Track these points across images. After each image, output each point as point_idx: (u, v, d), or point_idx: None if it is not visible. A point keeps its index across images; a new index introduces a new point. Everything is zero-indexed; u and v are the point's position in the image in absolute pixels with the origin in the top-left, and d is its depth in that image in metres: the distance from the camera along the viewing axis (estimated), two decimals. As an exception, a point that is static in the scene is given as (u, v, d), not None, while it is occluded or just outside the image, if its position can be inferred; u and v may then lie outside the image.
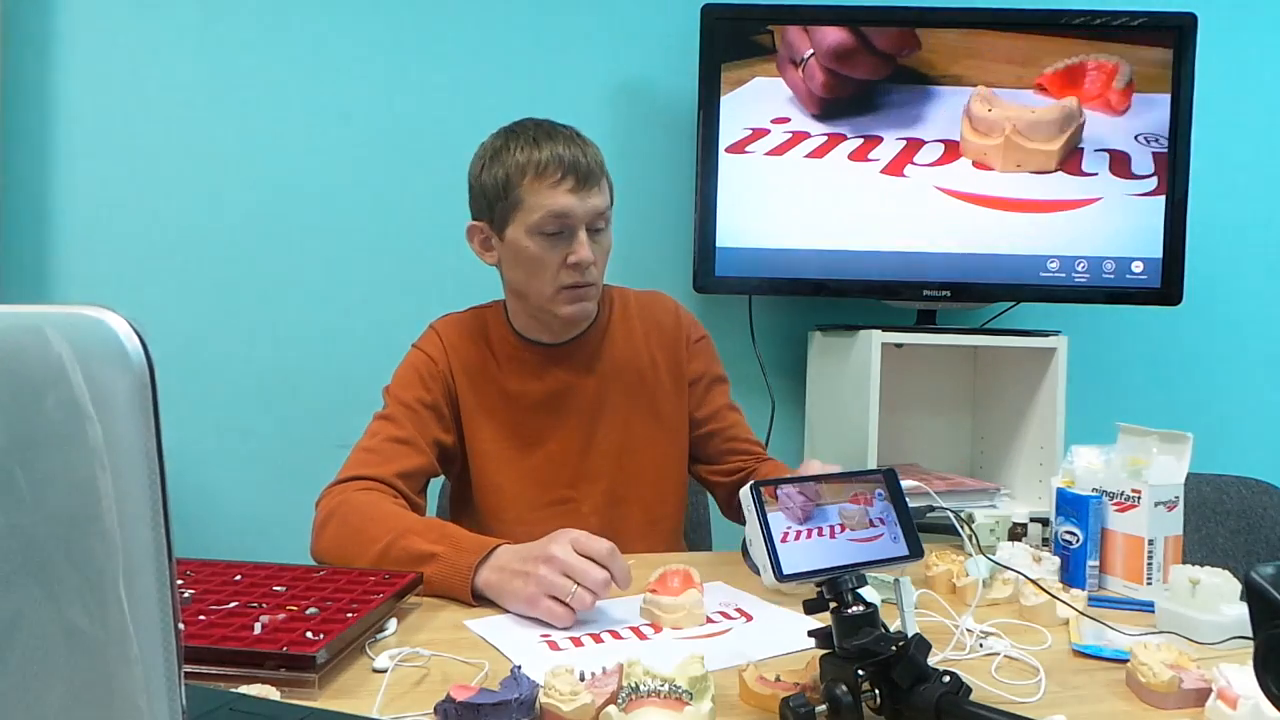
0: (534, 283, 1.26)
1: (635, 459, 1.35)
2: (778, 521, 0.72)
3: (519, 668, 0.72)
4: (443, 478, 1.38)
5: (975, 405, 2.22)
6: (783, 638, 0.91)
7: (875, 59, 1.96)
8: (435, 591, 1.02)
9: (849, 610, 0.70)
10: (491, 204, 1.26)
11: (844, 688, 0.66)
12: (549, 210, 1.21)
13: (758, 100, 1.96)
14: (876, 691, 0.67)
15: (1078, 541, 1.13)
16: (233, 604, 0.86)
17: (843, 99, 1.96)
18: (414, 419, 1.26)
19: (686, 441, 1.41)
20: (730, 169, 1.96)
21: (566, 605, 0.92)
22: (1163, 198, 1.98)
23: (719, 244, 1.96)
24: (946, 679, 0.66)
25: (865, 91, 1.96)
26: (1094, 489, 1.15)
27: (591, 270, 1.25)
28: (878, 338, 1.86)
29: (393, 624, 0.91)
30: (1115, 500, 1.12)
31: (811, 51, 1.94)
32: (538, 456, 1.32)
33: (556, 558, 0.94)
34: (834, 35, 1.94)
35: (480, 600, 1.00)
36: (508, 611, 0.98)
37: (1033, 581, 1.00)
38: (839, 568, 0.72)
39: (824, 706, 0.66)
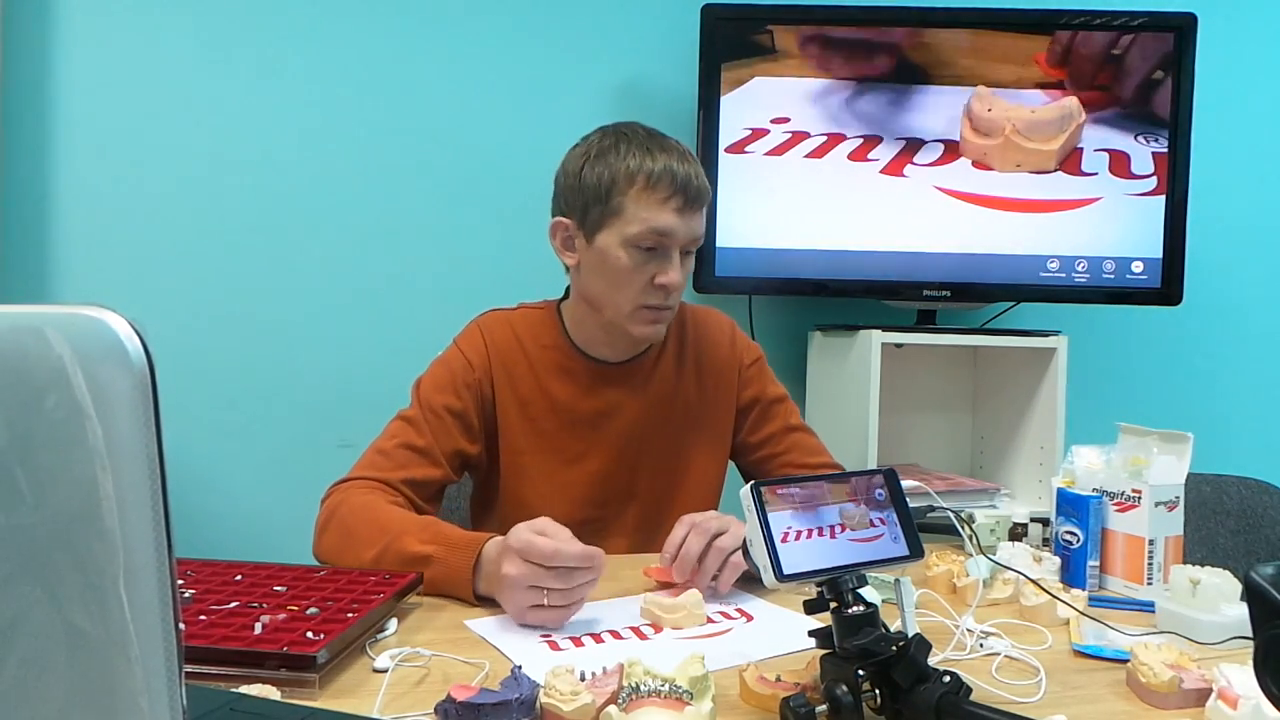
0: (614, 295, 1.21)
1: (674, 484, 1.31)
2: (778, 521, 0.72)
3: (519, 668, 0.72)
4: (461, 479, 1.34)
5: (975, 405, 2.22)
6: (783, 638, 0.90)
7: (875, 58, 1.96)
8: (436, 592, 1.02)
9: (849, 610, 0.70)
10: (587, 204, 1.20)
11: (844, 688, 0.66)
12: (651, 226, 1.16)
13: (758, 100, 1.96)
14: (877, 691, 0.67)
15: (1078, 541, 1.13)
16: (233, 604, 0.86)
17: (842, 99, 1.96)
18: (437, 427, 1.22)
19: (725, 467, 1.37)
20: (730, 169, 1.96)
21: (550, 609, 0.91)
22: (1163, 198, 1.98)
23: (719, 244, 1.96)
24: (947, 679, 0.66)
25: (865, 91, 1.96)
26: (1094, 489, 1.15)
27: (674, 294, 1.21)
28: (878, 338, 1.87)
29: (393, 624, 0.91)
30: (1116, 500, 1.12)
31: (798, 48, 1.94)
32: (575, 473, 1.28)
33: (512, 577, 0.91)
34: (832, 35, 1.95)
35: (481, 600, 1.00)
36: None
37: (1033, 581, 1.00)
38: (839, 568, 0.72)
39: (824, 706, 0.66)
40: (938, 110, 1.97)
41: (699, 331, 1.36)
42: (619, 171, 1.17)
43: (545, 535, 0.93)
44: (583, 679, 0.73)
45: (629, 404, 1.30)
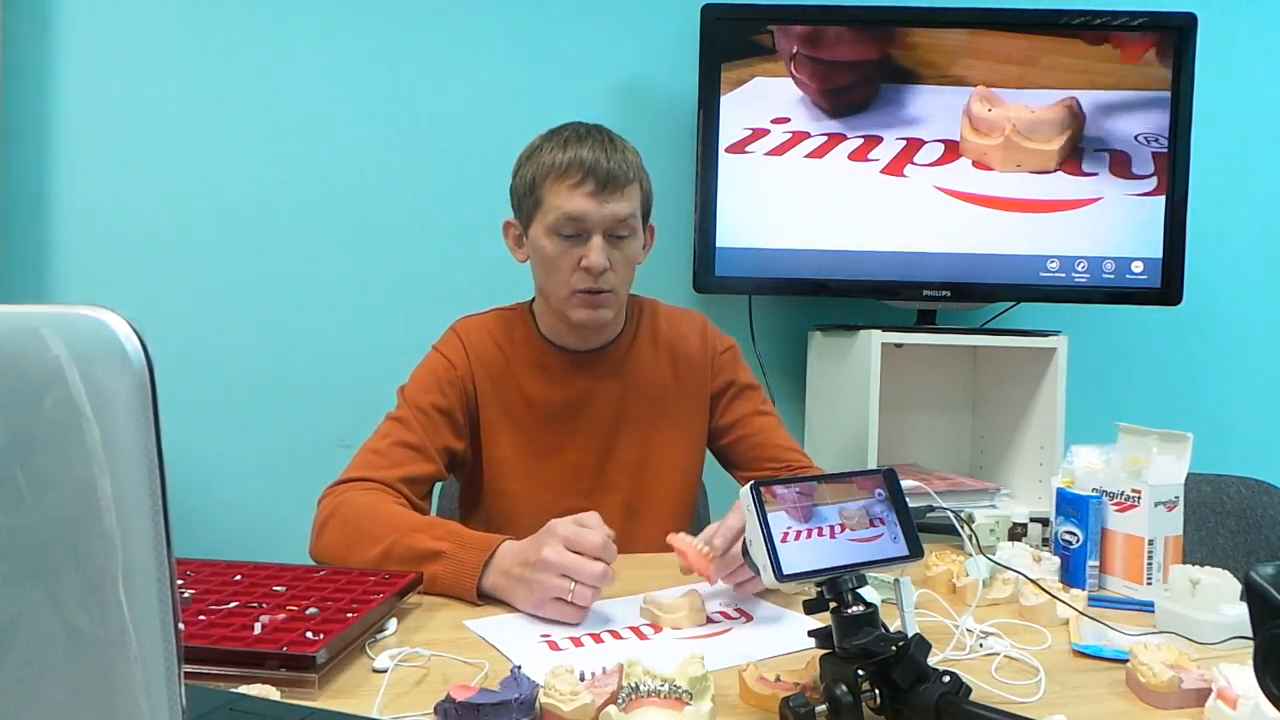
0: (550, 282, 1.27)
1: (653, 472, 1.34)
2: (778, 521, 0.72)
3: (519, 668, 0.72)
4: (450, 478, 1.37)
5: (975, 405, 2.22)
6: (783, 638, 0.91)
7: (875, 58, 1.96)
8: (440, 589, 1.02)
9: (849, 610, 0.70)
10: (520, 202, 1.29)
11: (844, 688, 0.66)
12: (564, 212, 1.21)
13: (758, 100, 1.96)
14: (876, 691, 0.67)
15: (1078, 541, 1.13)
16: (233, 604, 0.86)
17: (844, 99, 1.96)
18: (426, 424, 1.25)
19: (702, 458, 1.41)
20: (730, 169, 1.96)
21: (571, 604, 0.93)
22: (1163, 198, 1.98)
23: (719, 244, 1.96)
24: (946, 679, 0.66)
25: (866, 91, 1.96)
26: (1094, 489, 1.15)
27: (608, 277, 1.23)
28: (878, 338, 1.86)
29: (393, 624, 0.91)
30: (1115, 500, 1.12)
31: (796, 50, 1.94)
32: (554, 465, 1.31)
33: (551, 562, 0.93)
34: (833, 34, 1.95)
35: (484, 599, 1.00)
36: (508, 611, 0.98)
37: (1033, 581, 1.00)
38: (839, 568, 0.72)
39: (824, 706, 0.66)
40: (938, 110, 1.97)
41: (673, 327, 1.40)
42: (538, 167, 1.24)
43: (590, 528, 0.96)
44: (582, 679, 0.73)
45: (601, 392, 1.33)
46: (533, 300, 1.37)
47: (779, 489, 0.74)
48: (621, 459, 1.33)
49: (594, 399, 1.33)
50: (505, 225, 1.34)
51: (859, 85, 1.96)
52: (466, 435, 1.30)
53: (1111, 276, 1.99)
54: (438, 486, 1.32)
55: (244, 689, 0.70)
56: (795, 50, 1.94)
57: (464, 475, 1.36)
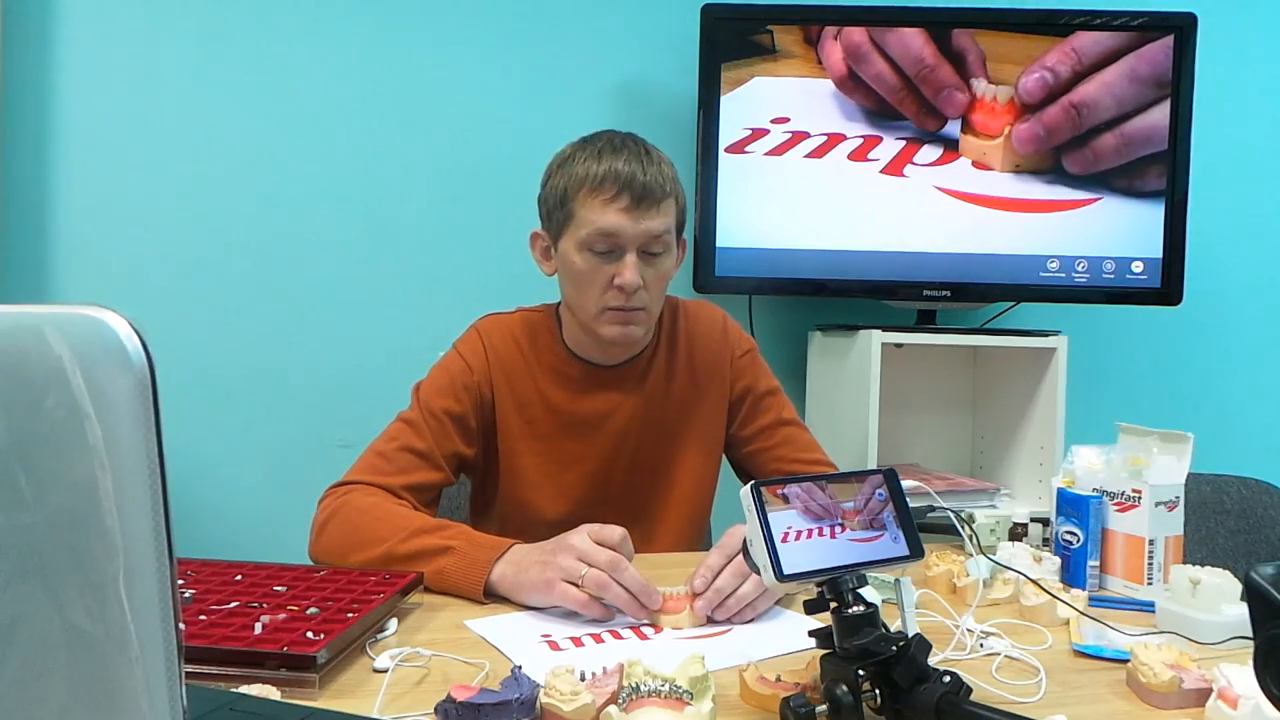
0: (580, 299, 1.23)
1: (670, 483, 1.32)
2: (778, 521, 0.72)
3: (519, 668, 0.72)
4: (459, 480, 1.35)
5: (975, 405, 2.22)
6: (783, 638, 0.91)
7: (875, 59, 1.96)
8: (446, 586, 1.01)
9: (849, 610, 0.70)
10: (550, 214, 1.24)
11: (844, 688, 0.66)
12: (597, 228, 1.17)
13: (757, 100, 1.96)
14: (877, 691, 0.67)
15: (1078, 541, 1.13)
16: (233, 604, 0.86)
17: (842, 99, 1.96)
18: (437, 430, 1.23)
19: (719, 464, 1.38)
20: (730, 169, 1.96)
21: (584, 592, 0.93)
22: (1163, 198, 1.98)
23: (719, 244, 1.96)
24: (947, 679, 0.66)
25: (865, 91, 1.96)
26: (1094, 489, 1.14)
27: (640, 295, 1.19)
28: (878, 338, 1.86)
29: (393, 624, 0.91)
30: (1116, 500, 1.12)
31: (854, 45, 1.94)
32: (572, 475, 1.29)
33: (573, 545, 0.96)
34: (832, 35, 1.95)
35: (489, 597, 1.00)
36: (509, 611, 0.98)
37: (1033, 581, 1.00)
38: (839, 568, 0.72)
39: (824, 706, 0.66)
40: (938, 110, 1.97)
41: (690, 325, 1.36)
42: (570, 179, 1.20)
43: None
44: (583, 679, 0.73)
45: (624, 406, 1.30)
46: (558, 305, 1.34)
47: (779, 489, 0.74)
48: (639, 469, 1.31)
49: (616, 412, 1.30)
50: (533, 236, 1.29)
51: (859, 85, 1.96)
52: (478, 440, 1.28)
53: (1111, 276, 1.99)
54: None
55: (244, 689, 0.70)
56: (797, 47, 1.94)
57: (475, 478, 1.34)
